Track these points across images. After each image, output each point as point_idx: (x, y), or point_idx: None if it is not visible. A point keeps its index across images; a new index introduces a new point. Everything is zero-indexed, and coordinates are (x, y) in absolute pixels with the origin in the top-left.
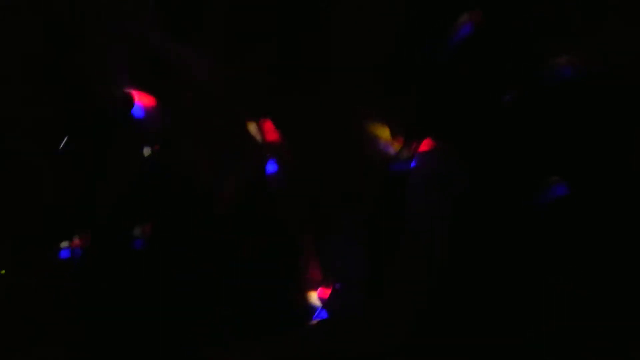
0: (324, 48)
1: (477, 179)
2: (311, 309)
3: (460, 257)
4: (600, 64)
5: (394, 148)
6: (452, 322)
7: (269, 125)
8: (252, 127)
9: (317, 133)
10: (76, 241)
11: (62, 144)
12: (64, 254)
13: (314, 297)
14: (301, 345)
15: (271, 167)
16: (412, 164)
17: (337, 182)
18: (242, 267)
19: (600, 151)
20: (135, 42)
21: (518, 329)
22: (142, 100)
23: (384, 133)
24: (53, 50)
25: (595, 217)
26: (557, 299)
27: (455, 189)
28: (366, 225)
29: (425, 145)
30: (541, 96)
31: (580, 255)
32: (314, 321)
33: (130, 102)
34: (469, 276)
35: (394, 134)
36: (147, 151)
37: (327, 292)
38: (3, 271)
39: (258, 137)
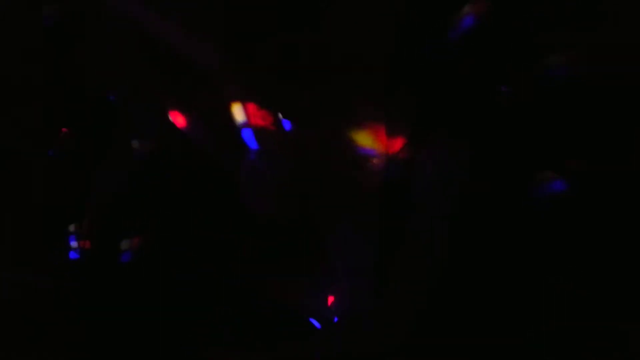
0: (323, 48)
1: (477, 178)
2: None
3: (461, 256)
4: (601, 63)
5: (378, 152)
6: (452, 322)
7: (252, 108)
8: (236, 109)
9: (317, 133)
10: (87, 243)
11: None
12: (73, 255)
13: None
14: (301, 346)
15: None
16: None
17: (335, 182)
18: (242, 267)
19: (601, 151)
20: (136, 31)
21: (518, 329)
22: (177, 120)
23: (365, 139)
24: (53, 50)
25: (596, 217)
26: (557, 299)
27: (455, 188)
28: (366, 226)
29: (423, 146)
30: (541, 96)
31: (580, 255)
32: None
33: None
34: (469, 276)
35: (389, 135)
36: (135, 144)
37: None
38: None
39: (240, 119)
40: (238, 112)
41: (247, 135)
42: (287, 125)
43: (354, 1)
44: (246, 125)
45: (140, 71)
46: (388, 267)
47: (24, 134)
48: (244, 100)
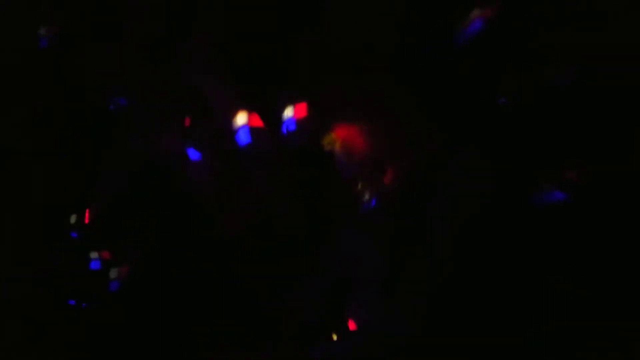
0: (323, 48)
1: (479, 179)
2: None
3: (462, 257)
4: (601, 63)
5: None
6: (452, 322)
7: (254, 118)
8: (241, 116)
9: (317, 134)
10: (105, 253)
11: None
12: (94, 265)
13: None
14: (302, 347)
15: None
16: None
17: (339, 186)
18: (242, 268)
19: (601, 151)
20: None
21: (518, 329)
22: (251, 122)
23: (331, 141)
24: (53, 50)
25: (596, 217)
26: (557, 299)
27: (457, 189)
28: (375, 230)
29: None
30: (540, 96)
31: (580, 255)
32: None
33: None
34: (470, 276)
35: (390, 137)
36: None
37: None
38: None
39: (240, 122)
40: (238, 115)
41: (244, 137)
42: (290, 125)
43: (354, 1)
44: (244, 126)
45: (140, 72)
46: (397, 271)
47: (24, 134)
48: (242, 102)
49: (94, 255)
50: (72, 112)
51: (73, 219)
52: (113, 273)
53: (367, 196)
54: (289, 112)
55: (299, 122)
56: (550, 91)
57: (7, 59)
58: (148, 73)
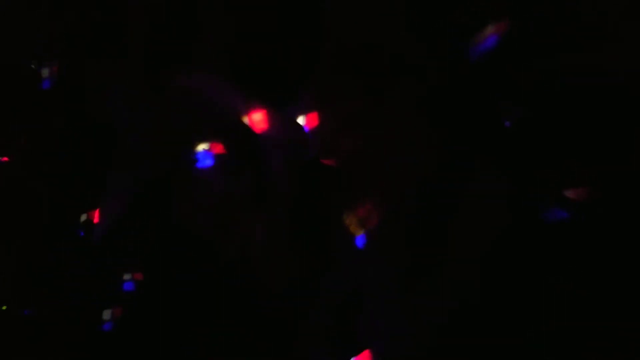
0: (323, 49)
1: (482, 183)
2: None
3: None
4: (602, 65)
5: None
6: (452, 322)
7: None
8: (249, 119)
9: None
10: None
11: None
12: (128, 287)
13: None
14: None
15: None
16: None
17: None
18: (242, 267)
19: (600, 152)
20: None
21: (518, 329)
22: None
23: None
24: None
25: (596, 217)
26: (557, 299)
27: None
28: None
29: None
30: (543, 100)
31: (580, 255)
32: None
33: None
34: (489, 285)
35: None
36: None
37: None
38: (4, 307)
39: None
40: (251, 119)
41: (260, 142)
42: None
43: (355, 1)
44: (258, 131)
45: (142, 78)
46: (410, 281)
47: (24, 135)
48: (253, 106)
49: (127, 276)
50: (73, 113)
51: (82, 218)
52: (106, 314)
53: (357, 232)
54: (300, 121)
55: (311, 132)
56: (552, 95)
57: (7, 59)
58: (149, 79)
